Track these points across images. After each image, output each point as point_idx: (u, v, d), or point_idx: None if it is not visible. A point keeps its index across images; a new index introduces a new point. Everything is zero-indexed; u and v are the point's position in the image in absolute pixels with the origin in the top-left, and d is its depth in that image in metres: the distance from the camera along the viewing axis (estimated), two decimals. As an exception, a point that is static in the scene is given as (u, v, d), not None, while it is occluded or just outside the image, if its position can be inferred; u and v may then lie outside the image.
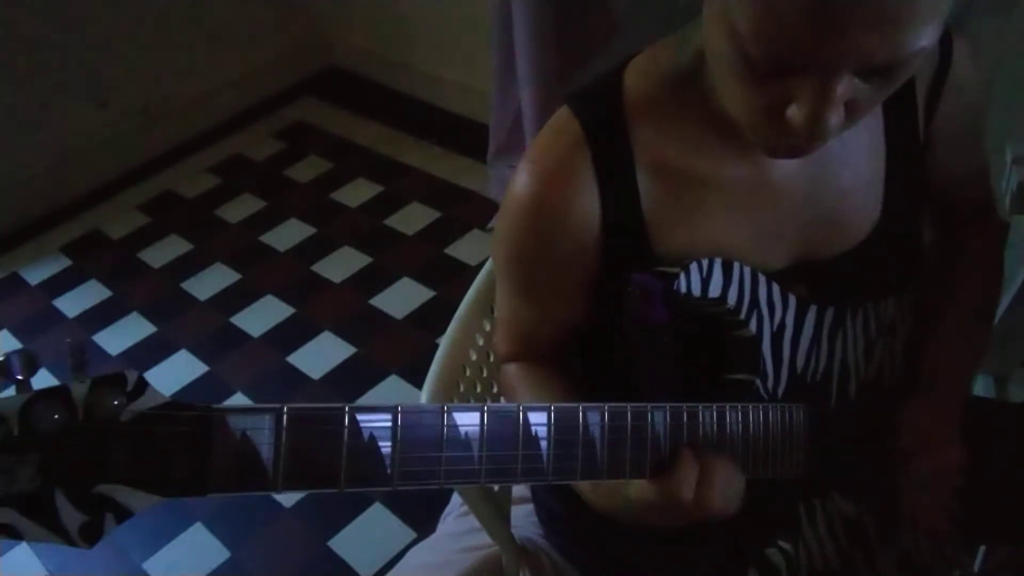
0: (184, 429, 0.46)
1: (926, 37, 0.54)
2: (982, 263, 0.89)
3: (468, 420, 0.54)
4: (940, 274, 0.88)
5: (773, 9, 0.53)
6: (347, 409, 0.49)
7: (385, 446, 0.51)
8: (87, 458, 0.45)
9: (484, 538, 0.98)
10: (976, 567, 0.92)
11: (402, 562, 1.01)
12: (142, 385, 0.46)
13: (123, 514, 0.46)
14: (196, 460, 0.46)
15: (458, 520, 1.05)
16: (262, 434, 0.48)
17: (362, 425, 0.50)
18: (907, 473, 0.79)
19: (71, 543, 0.45)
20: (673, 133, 0.72)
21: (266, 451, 0.48)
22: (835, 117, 0.57)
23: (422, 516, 1.70)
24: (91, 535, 0.45)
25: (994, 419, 0.91)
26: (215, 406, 0.47)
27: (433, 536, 1.06)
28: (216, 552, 1.72)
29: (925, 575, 0.83)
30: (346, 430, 0.49)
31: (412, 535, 1.70)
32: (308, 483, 0.49)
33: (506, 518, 1.01)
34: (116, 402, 0.45)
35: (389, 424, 0.51)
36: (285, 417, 0.48)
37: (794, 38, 0.53)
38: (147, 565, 1.71)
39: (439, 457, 0.53)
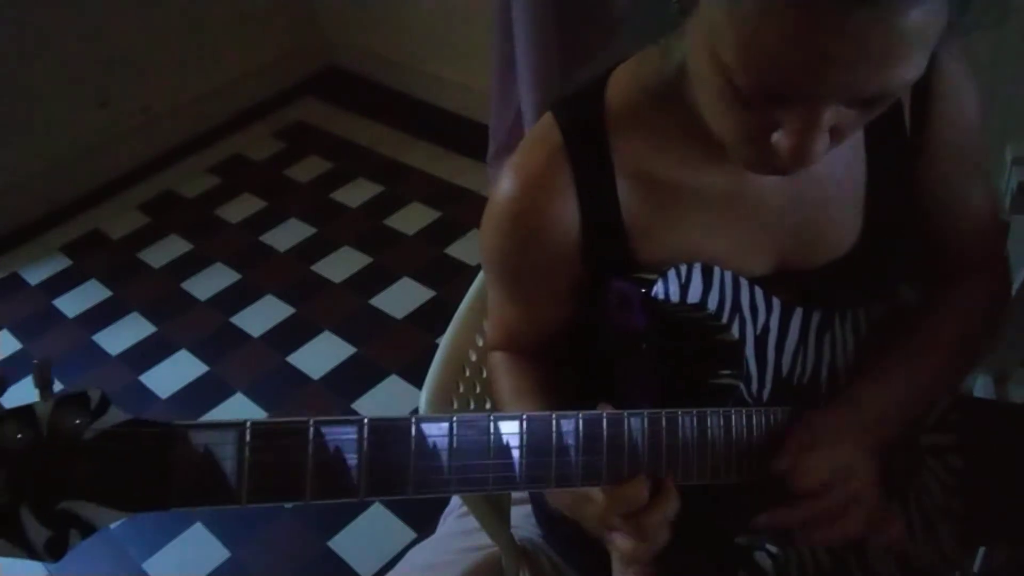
0: (145, 446, 0.47)
1: (916, 68, 0.53)
2: (971, 325, 0.82)
3: (437, 431, 0.54)
4: (923, 324, 0.81)
5: (761, 43, 0.52)
6: (311, 423, 0.50)
7: (352, 458, 0.51)
8: (51, 476, 0.46)
9: (484, 538, 0.98)
10: (976, 567, 0.91)
11: (402, 562, 1.02)
12: (105, 403, 0.46)
13: (87, 530, 0.46)
14: (157, 476, 0.47)
15: (458, 520, 1.05)
16: (225, 449, 0.48)
17: (328, 439, 0.50)
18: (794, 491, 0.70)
19: (37, 558, 0.45)
20: (654, 142, 0.72)
21: (229, 466, 0.48)
22: (820, 144, 0.57)
23: (422, 516, 1.70)
24: (56, 550, 0.46)
25: (994, 419, 0.90)
26: (178, 422, 0.47)
27: (433, 536, 1.06)
28: (216, 552, 1.73)
29: (925, 575, 0.82)
30: (311, 444, 0.50)
31: (412, 535, 1.70)
32: (273, 496, 0.49)
33: (506, 519, 1.01)
34: (79, 421, 0.45)
35: (355, 437, 0.51)
36: (248, 432, 0.48)
37: (782, 71, 0.52)
38: (147, 565, 1.72)
39: (408, 467, 0.53)
